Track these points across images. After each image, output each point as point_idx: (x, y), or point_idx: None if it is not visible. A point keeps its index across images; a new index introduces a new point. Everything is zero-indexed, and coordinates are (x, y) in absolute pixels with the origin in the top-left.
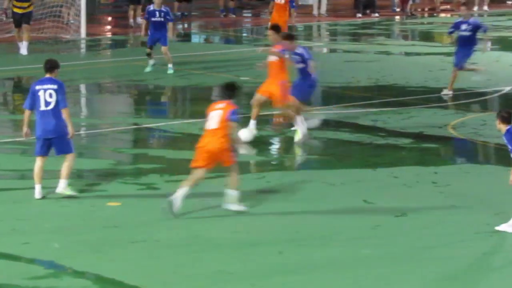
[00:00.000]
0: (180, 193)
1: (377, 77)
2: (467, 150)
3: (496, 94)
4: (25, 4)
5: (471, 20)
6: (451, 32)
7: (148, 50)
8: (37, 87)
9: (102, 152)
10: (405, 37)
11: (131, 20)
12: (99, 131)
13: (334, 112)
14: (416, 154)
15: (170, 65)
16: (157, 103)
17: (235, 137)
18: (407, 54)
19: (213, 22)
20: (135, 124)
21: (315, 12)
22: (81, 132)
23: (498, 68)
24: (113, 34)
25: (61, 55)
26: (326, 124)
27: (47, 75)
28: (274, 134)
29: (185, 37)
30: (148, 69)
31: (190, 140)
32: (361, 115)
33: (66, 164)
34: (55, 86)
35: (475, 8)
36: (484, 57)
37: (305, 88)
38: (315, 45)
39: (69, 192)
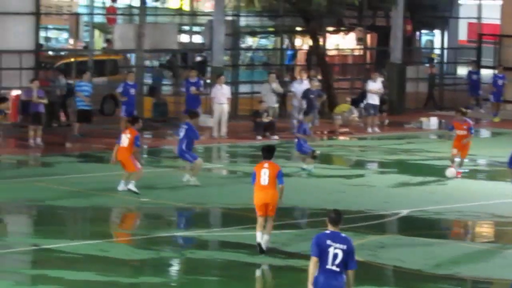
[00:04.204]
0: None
1: None
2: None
3: (394, 217)
4: None
5: None
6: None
7: None
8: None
9: (1, 273)
10: (303, 159)
11: (31, 140)
12: None
13: (233, 234)
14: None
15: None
16: (57, 224)
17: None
18: (307, 176)
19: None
20: (35, 244)
21: (215, 134)
22: None
23: (396, 191)
24: (11, 153)
25: None
26: (225, 245)
27: None
28: None
29: (85, 157)
30: None
31: (89, 260)
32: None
33: None
34: None
35: (369, 130)
36: (382, 180)
37: None
38: (215, 167)
39: None
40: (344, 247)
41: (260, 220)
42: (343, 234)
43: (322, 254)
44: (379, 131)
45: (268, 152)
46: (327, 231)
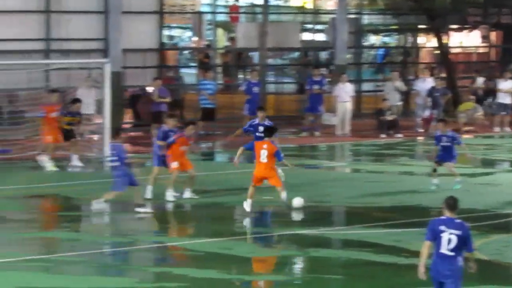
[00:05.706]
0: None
1: (400, 197)
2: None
3: None
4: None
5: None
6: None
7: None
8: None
9: (126, 270)
10: (429, 158)
11: (154, 139)
12: (122, 249)
13: (356, 232)
14: None
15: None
16: (181, 222)
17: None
18: (430, 174)
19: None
20: (159, 242)
21: (338, 132)
22: (104, 250)
23: None
24: (137, 152)
25: (85, 173)
26: (348, 243)
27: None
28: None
29: (208, 155)
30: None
31: (213, 258)
32: (384, 235)
33: None
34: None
35: (497, 129)
36: (508, 178)
37: None
38: (338, 165)
39: None
40: (459, 232)
41: (252, 189)
42: (458, 220)
43: (436, 238)
44: (510, 131)
45: (268, 132)
46: (443, 217)
